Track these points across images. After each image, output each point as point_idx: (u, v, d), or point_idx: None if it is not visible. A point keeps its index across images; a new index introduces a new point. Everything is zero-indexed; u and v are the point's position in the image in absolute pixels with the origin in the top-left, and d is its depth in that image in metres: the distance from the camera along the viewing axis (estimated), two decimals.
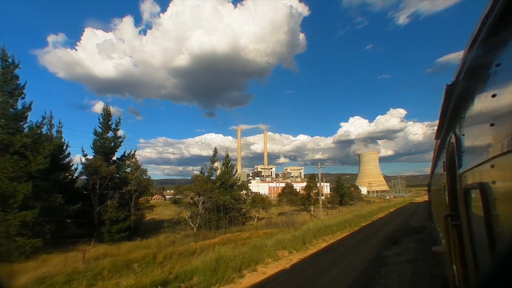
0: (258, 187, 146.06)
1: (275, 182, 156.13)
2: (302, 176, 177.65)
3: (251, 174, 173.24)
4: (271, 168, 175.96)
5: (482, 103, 1.62)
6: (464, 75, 1.80)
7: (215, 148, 26.97)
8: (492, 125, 1.35)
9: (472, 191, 1.91)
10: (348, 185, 54.48)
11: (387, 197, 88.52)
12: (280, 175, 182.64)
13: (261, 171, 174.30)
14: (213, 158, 26.84)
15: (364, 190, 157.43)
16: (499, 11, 1.13)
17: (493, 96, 1.33)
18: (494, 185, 1.32)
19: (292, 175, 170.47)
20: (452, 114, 2.58)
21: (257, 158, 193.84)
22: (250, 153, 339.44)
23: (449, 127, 3.08)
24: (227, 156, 29.29)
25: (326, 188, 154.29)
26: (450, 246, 3.07)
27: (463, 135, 2.24)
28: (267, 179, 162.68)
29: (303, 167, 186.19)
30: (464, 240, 2.31)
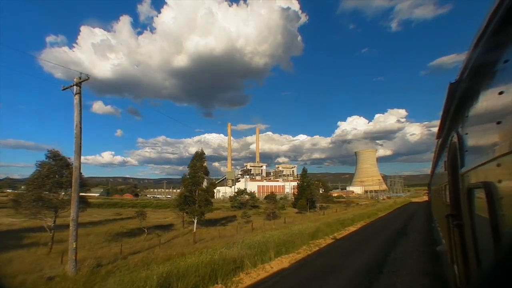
0: (246, 185, 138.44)
1: (265, 180, 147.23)
2: (295, 175, 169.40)
3: (240, 172, 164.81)
4: (262, 166, 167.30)
5: (488, 101, 1.58)
6: (468, 73, 1.76)
7: None
8: (498, 123, 1.30)
9: (476, 191, 1.85)
10: (317, 181, 44.27)
11: (381, 198, 79.06)
12: (272, 173, 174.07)
13: (251, 169, 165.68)
14: None
15: (359, 190, 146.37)
16: (507, 7, 1.10)
17: (500, 93, 1.29)
18: (500, 184, 1.27)
19: (284, 173, 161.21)
20: (455, 113, 2.53)
21: (261, 156, 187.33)
22: (249, 152, 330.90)
23: (451, 126, 3.02)
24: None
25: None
26: (451, 246, 3.04)
27: (466, 134, 2.19)
28: (257, 177, 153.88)
29: (295, 166, 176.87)
30: (466, 240, 2.27)
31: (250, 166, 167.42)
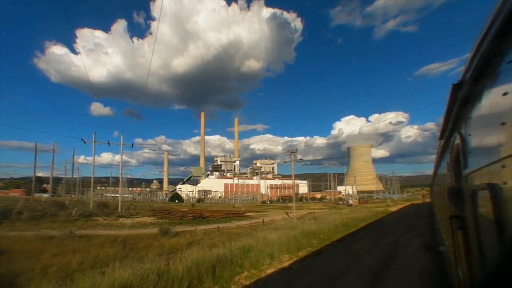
0: (210, 184, 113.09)
1: (236, 178, 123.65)
2: (275, 172, 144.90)
3: (210, 168, 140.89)
4: (234, 161, 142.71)
5: (491, 102, 1.55)
6: (471, 73, 1.71)
7: None
8: (503, 124, 1.28)
9: (480, 192, 1.80)
10: None
11: (350, 202, 54.79)
12: (248, 170, 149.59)
13: (221, 165, 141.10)
14: None
15: (350, 190, 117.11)
16: (511, 7, 1.09)
17: (504, 94, 1.27)
18: (505, 186, 1.25)
19: (262, 170, 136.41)
20: (458, 114, 2.48)
21: (255, 158, 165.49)
22: (249, 153, 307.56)
23: (454, 128, 2.98)
24: None
25: (303, 187, 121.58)
26: (454, 248, 3.01)
27: (470, 135, 2.13)
28: (228, 174, 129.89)
29: (276, 162, 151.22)
30: (470, 241, 2.21)
31: (221, 161, 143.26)
